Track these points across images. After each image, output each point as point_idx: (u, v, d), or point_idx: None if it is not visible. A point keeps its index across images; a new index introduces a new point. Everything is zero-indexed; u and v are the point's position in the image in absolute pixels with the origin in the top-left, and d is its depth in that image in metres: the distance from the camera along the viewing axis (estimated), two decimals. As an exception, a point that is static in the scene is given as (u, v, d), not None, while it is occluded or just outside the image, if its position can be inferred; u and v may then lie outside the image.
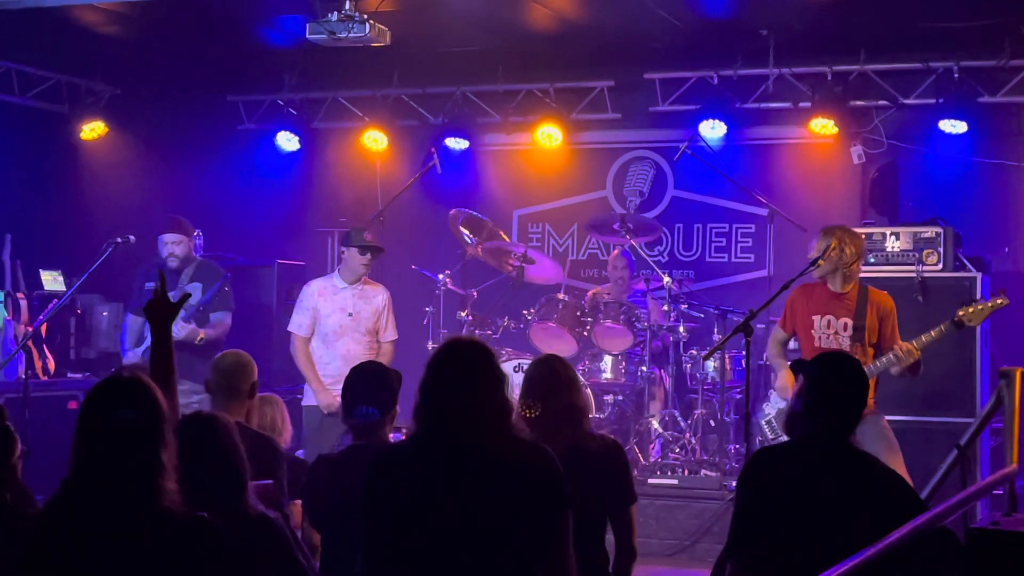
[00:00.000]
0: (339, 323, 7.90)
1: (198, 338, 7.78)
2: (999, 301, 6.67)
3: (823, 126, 9.79)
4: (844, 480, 3.97)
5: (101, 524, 2.99)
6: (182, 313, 7.52)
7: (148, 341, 7.53)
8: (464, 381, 3.61)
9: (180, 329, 7.61)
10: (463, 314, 9.32)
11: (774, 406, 7.04)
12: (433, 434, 3.61)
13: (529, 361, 8.55)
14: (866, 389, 4.22)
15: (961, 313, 6.63)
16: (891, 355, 6.61)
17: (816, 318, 6.78)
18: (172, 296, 7.45)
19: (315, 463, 4.85)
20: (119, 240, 7.67)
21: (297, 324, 8.04)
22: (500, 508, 3.52)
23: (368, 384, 4.71)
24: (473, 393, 3.60)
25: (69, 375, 9.32)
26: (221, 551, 3.08)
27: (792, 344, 7.21)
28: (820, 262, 6.68)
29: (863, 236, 6.99)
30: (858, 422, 4.15)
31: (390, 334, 8.11)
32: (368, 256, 7.93)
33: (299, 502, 4.93)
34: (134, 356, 7.84)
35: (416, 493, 3.55)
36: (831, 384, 4.13)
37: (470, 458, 3.56)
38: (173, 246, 8.03)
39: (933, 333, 6.66)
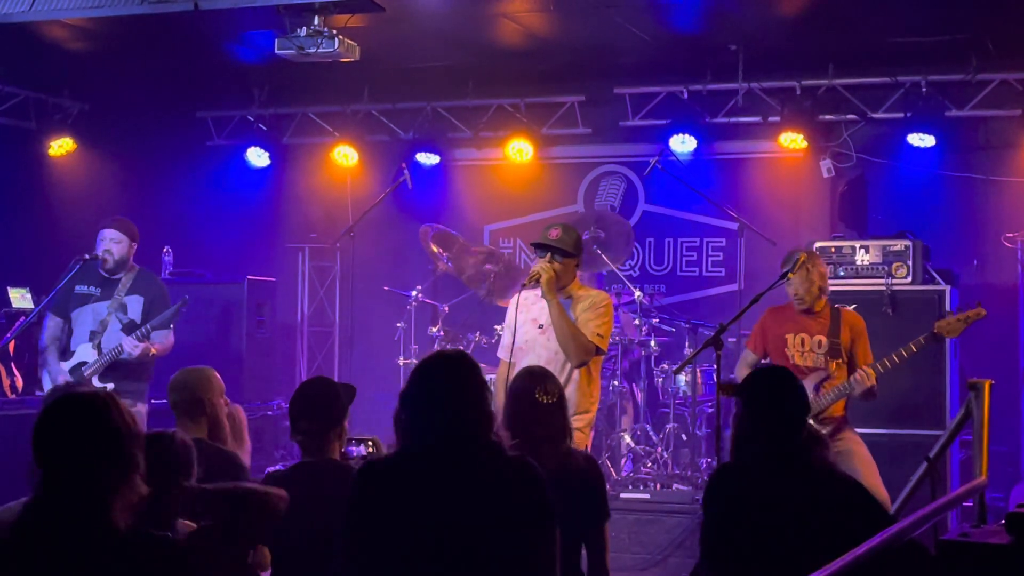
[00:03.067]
0: (526, 336, 6.36)
1: (151, 353, 7.42)
2: (976, 312, 6.69)
3: (792, 140, 9.85)
4: (803, 493, 3.98)
5: (57, 546, 2.94)
6: (121, 330, 7.40)
7: (76, 357, 7.44)
8: (450, 394, 3.62)
9: (133, 348, 7.32)
10: (434, 329, 9.30)
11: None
12: (418, 448, 3.61)
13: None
14: (803, 395, 4.21)
15: (938, 326, 6.66)
16: (850, 380, 6.63)
17: (790, 336, 6.80)
18: (105, 307, 7.38)
19: (264, 479, 4.83)
20: (87, 256, 7.54)
21: (500, 347, 6.73)
22: (486, 525, 3.52)
23: (314, 399, 4.64)
24: (459, 407, 3.61)
25: (37, 393, 9.21)
26: (179, 570, 3.02)
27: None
28: (790, 275, 6.70)
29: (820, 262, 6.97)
30: (803, 428, 4.14)
31: None
32: (548, 256, 6.25)
33: None
34: (63, 373, 7.42)
35: (401, 506, 3.55)
36: (766, 402, 4.11)
37: (456, 473, 3.56)
38: (111, 243, 7.47)
39: (913, 347, 6.69)
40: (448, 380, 3.66)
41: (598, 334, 6.19)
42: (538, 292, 6.34)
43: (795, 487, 3.99)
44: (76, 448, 2.98)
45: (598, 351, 6.24)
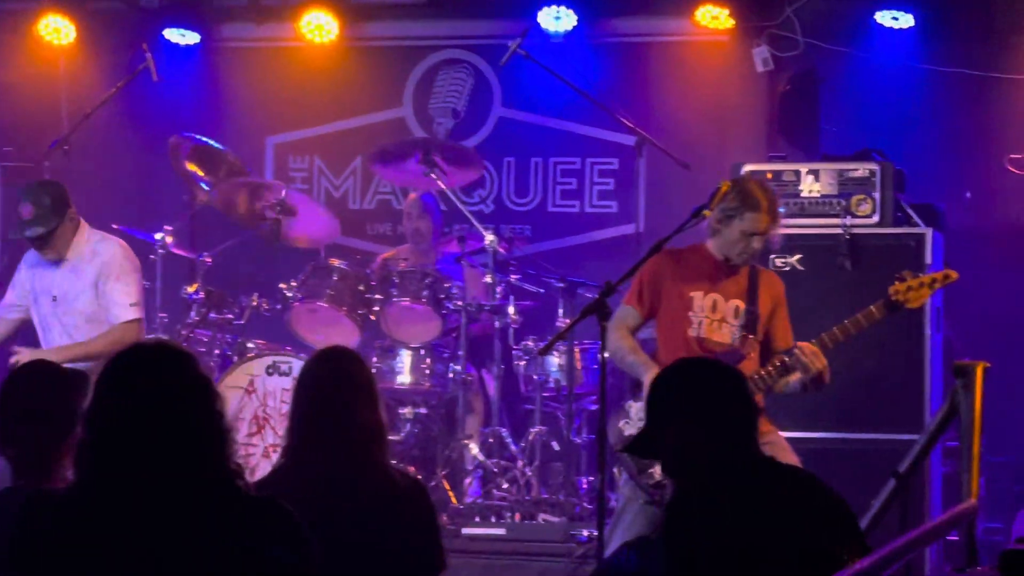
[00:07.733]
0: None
1: None
2: (944, 275, 6.81)
3: (714, 17, 9.96)
4: (772, 501, 4.10)
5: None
6: None
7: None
8: (142, 409, 3.58)
9: None
10: (191, 289, 9.18)
11: (635, 424, 6.99)
12: (103, 482, 3.59)
13: (289, 359, 8.56)
14: (750, 393, 4.38)
15: (893, 290, 6.73)
16: (794, 358, 6.67)
17: (697, 295, 6.82)
18: None
19: None
20: None
21: None
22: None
23: (26, 398, 4.71)
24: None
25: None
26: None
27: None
28: (706, 212, 6.73)
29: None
30: (757, 428, 4.28)
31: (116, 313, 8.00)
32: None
33: None
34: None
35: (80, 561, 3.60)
36: (719, 404, 4.23)
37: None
38: None
39: (861, 320, 6.73)
40: (137, 388, 3.60)
41: (131, 304, 7.90)
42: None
43: (765, 495, 4.10)
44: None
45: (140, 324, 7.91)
